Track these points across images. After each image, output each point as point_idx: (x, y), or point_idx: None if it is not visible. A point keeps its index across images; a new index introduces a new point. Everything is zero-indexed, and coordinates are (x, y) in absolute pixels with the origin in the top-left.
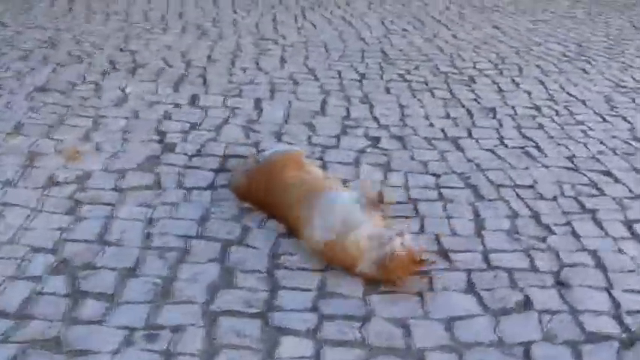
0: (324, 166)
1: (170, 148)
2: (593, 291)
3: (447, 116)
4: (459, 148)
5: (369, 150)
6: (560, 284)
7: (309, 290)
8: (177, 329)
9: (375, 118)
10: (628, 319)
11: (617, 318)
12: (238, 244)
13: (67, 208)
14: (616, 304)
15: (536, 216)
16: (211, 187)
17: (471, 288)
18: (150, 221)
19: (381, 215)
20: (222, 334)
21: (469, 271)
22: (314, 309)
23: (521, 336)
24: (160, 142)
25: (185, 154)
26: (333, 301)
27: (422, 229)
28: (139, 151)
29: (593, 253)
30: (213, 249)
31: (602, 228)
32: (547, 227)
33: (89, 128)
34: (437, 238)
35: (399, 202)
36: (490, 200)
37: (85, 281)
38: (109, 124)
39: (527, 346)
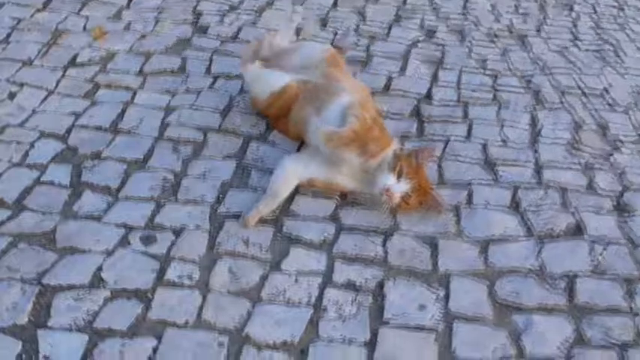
0: (368, 59)
1: (203, 30)
2: None
3: (516, 10)
4: (525, 47)
5: (421, 43)
6: (620, 210)
7: (330, 198)
8: (179, 231)
9: (435, 8)
10: None
11: None
12: (260, 140)
13: (85, 92)
14: None
15: (602, 128)
16: (241, 76)
17: (515, 206)
18: (168, 110)
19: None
20: (228, 239)
21: (516, 187)
22: (333, 218)
23: (567, 266)
24: (194, 23)
25: (218, 37)
26: (355, 211)
27: (468, 136)
28: (169, 33)
29: None
30: (231, 144)
31: None
32: (613, 142)
33: (122, 6)
34: (484, 147)
35: (446, 103)
36: (552, 107)
37: (90, 172)
38: (144, 1)
39: (571, 278)
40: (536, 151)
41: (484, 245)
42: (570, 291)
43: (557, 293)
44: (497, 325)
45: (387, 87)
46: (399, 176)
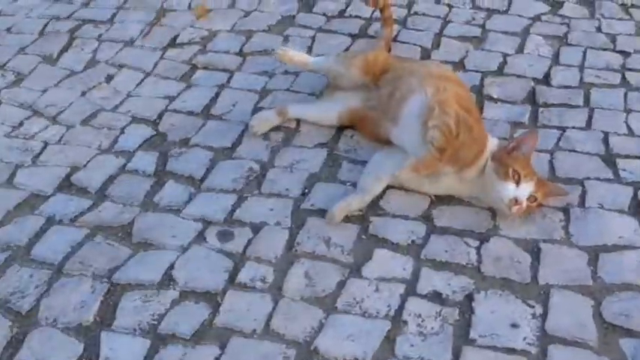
0: (482, 36)
1: (310, 6)
2: None
3: None
4: None
5: (545, 17)
6: None
7: (425, 193)
8: (258, 228)
9: None
10: None
11: None
12: (355, 129)
13: (182, 74)
14: None
15: None
16: None
17: (635, 209)
18: (264, 93)
19: None
20: (308, 239)
21: (638, 186)
22: (425, 217)
23: None
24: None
25: (324, 14)
26: (451, 209)
27: (588, 125)
28: (274, 10)
29: None
30: (324, 131)
31: None
32: None
33: None
34: (605, 138)
35: (566, 87)
36: None
37: (176, 160)
38: None
39: None
40: None
41: (594, 254)
42: None
43: None
44: (602, 351)
45: (500, 68)
46: (516, 180)
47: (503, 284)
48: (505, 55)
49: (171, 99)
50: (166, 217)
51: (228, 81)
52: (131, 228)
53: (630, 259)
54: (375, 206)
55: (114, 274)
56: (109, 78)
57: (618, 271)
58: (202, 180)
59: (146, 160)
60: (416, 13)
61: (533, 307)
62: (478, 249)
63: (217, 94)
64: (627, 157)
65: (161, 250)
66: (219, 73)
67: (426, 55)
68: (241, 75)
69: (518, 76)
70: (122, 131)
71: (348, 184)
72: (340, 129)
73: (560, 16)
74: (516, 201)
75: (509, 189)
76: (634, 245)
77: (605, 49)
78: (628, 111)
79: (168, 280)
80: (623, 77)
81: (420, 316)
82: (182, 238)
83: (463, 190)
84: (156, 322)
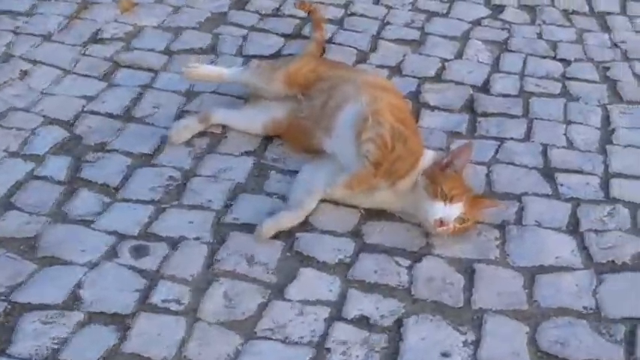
0: (421, 39)
1: (242, 3)
2: None
3: None
4: (605, 28)
5: (486, 21)
6: None
7: (355, 207)
8: (176, 243)
9: None
10: None
11: None
12: None
13: (103, 72)
14: None
15: None
16: (276, 56)
17: (574, 226)
18: (190, 95)
19: None
20: (229, 256)
21: (577, 202)
22: (355, 234)
23: (628, 309)
24: None
25: (257, 12)
26: (381, 225)
27: (527, 136)
28: (205, 7)
29: None
30: (252, 138)
31: None
32: None
33: None
34: (544, 151)
35: (505, 95)
36: (630, 103)
37: (90, 167)
38: None
39: (631, 325)
40: (605, 158)
41: (530, 276)
42: (630, 342)
43: (614, 343)
44: None
45: (439, 74)
46: (444, 199)
47: (434, 308)
48: (444, 61)
49: (90, 99)
50: (76, 230)
51: (153, 81)
52: (36, 240)
53: (567, 281)
54: (303, 221)
55: (13, 292)
56: (24, 74)
57: (555, 294)
58: (118, 189)
59: (57, 166)
60: (353, 14)
61: (465, 333)
62: (409, 269)
63: (140, 95)
64: (566, 171)
65: (68, 266)
66: (142, 72)
67: (362, 58)
68: (166, 75)
69: (457, 83)
70: (33, 133)
71: (275, 196)
72: (269, 136)
73: (501, 20)
74: (441, 222)
75: (437, 208)
76: (571, 267)
77: (545, 57)
78: (568, 122)
79: (74, 299)
80: (564, 86)
81: (345, 343)
82: (92, 253)
83: (396, 204)
84: (57, 348)
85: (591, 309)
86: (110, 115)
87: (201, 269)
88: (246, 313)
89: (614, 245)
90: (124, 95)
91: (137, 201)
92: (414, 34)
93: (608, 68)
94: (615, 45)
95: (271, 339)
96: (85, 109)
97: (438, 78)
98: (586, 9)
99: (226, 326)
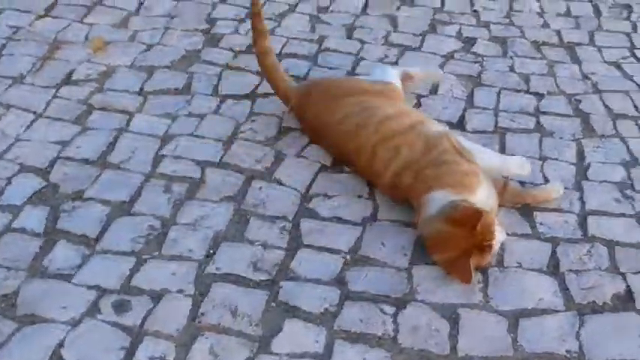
0: None
1: (216, 40)
2: None
3: (568, 13)
4: (575, 59)
5: (458, 55)
6: None
7: (338, 252)
8: (159, 296)
9: (475, 12)
10: None
11: None
12: (264, 179)
13: (76, 115)
14: None
15: None
16: (252, 95)
17: (555, 267)
18: (166, 139)
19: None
20: (213, 308)
21: (556, 242)
22: (339, 282)
23: (612, 351)
24: (207, 32)
25: (231, 49)
26: (365, 271)
27: None
28: (177, 44)
29: None
30: (231, 183)
31: None
32: None
33: (130, 12)
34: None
35: (481, 132)
36: (603, 137)
37: (68, 217)
38: (154, 7)
39: None
40: (582, 195)
41: (514, 320)
42: None
43: None
44: None
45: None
46: None
47: (421, 357)
48: (419, 97)
49: (65, 144)
50: (56, 285)
51: (128, 124)
52: (15, 297)
53: (551, 324)
54: (285, 269)
55: None
56: None
57: (539, 338)
58: (97, 240)
59: (35, 217)
60: (327, 49)
61: None
62: (395, 316)
63: (115, 139)
64: (544, 209)
65: (49, 324)
66: (117, 114)
67: None
68: (142, 117)
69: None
70: (9, 182)
71: (257, 243)
72: (248, 180)
73: (473, 53)
74: None
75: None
76: (554, 309)
77: (519, 91)
78: (544, 159)
79: None
80: (538, 122)
81: None
82: (73, 310)
83: None
84: None
85: (575, 352)
86: (86, 161)
87: (186, 323)
88: None
89: (594, 285)
90: (99, 140)
91: (117, 252)
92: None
93: (579, 101)
94: (585, 77)
95: None
96: (61, 154)
97: None
98: (555, 40)
99: None
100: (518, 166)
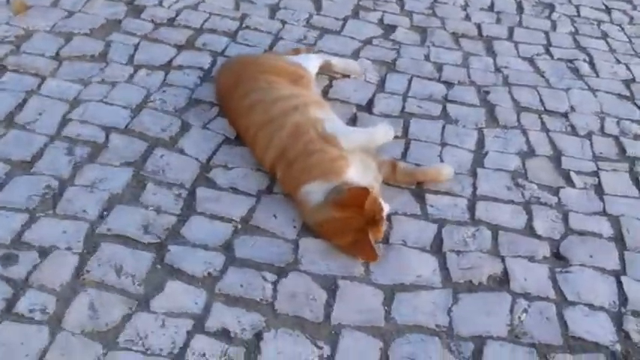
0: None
1: (137, 11)
2: (600, 277)
3: (491, 8)
4: (491, 52)
5: (377, 41)
6: (558, 258)
7: (229, 221)
8: (47, 252)
9: (400, 1)
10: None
11: (617, 321)
12: (166, 147)
13: None
14: (622, 301)
15: (557, 157)
16: (167, 67)
17: (437, 246)
18: (75, 102)
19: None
20: (99, 266)
21: (442, 222)
22: (226, 248)
23: (479, 327)
24: (130, 2)
25: (152, 20)
26: (254, 239)
27: (404, 156)
28: (100, 13)
29: (616, 222)
30: (134, 149)
31: (638, 186)
32: (566, 175)
33: None
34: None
35: (386, 115)
36: (505, 127)
37: None
38: None
39: (480, 343)
40: (474, 180)
41: (390, 293)
42: (478, 356)
43: None
44: None
45: (326, 91)
46: None
47: (295, 323)
48: (332, 79)
49: None
50: None
51: (39, 87)
52: None
53: (425, 299)
54: (175, 234)
55: None
56: None
57: (412, 312)
58: None
59: None
60: (248, 27)
61: (321, 348)
62: (275, 284)
63: (24, 101)
64: (436, 192)
65: None
66: (30, 77)
67: None
68: (54, 81)
69: (342, 102)
70: None
71: (151, 207)
72: (151, 147)
73: (392, 40)
74: None
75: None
76: (431, 285)
77: (431, 79)
78: (443, 144)
79: None
80: (444, 109)
81: (204, 355)
82: None
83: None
84: None
85: (444, 327)
86: None
87: (70, 279)
88: (109, 324)
89: (473, 266)
90: (8, 100)
91: (11, 209)
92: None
93: (488, 92)
94: (498, 70)
95: (132, 350)
96: None
97: (324, 95)
98: (474, 32)
99: (89, 336)
100: (383, 133)
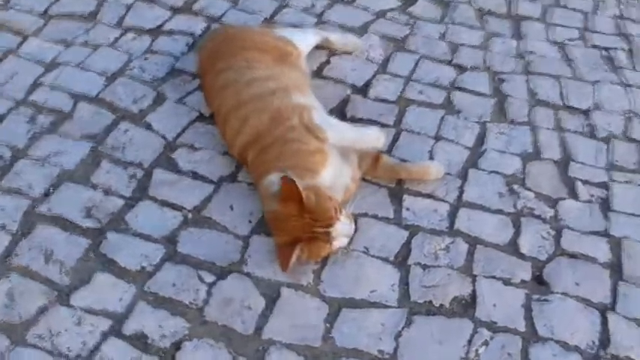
0: (319, 23)
1: None
2: (582, 310)
3: None
4: (517, 34)
5: (391, 14)
6: (539, 283)
7: (180, 209)
8: None
9: None
10: None
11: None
12: (134, 121)
13: None
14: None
15: (564, 162)
16: (156, 31)
17: (403, 257)
18: (51, 66)
19: None
20: (29, 250)
21: (415, 230)
22: (169, 240)
23: (427, 358)
24: None
25: None
26: (202, 232)
27: (391, 147)
28: None
29: (616, 246)
30: (99, 122)
31: None
32: (571, 184)
33: None
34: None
35: (381, 100)
36: (512, 122)
37: None
38: None
39: None
40: (463, 184)
41: (336, 309)
42: None
43: None
44: None
45: (321, 69)
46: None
47: (221, 333)
48: (330, 55)
49: None
50: None
51: (19, 46)
52: None
53: (374, 319)
54: (118, 220)
55: None
56: None
57: (355, 332)
58: None
59: None
60: None
61: None
62: (211, 286)
63: (0, 61)
64: (417, 194)
65: None
66: (12, 35)
67: None
68: (35, 41)
69: (336, 82)
70: None
71: (100, 188)
72: (117, 120)
73: (408, 14)
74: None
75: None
76: (384, 303)
77: (441, 61)
78: (437, 138)
79: None
80: (448, 97)
81: None
82: None
83: None
84: None
85: (387, 354)
86: None
87: None
88: (23, 317)
89: (438, 284)
90: None
91: None
92: (310, 21)
93: (503, 80)
94: (521, 55)
95: (38, 347)
96: None
97: (318, 73)
98: (504, 10)
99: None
100: (374, 138)
